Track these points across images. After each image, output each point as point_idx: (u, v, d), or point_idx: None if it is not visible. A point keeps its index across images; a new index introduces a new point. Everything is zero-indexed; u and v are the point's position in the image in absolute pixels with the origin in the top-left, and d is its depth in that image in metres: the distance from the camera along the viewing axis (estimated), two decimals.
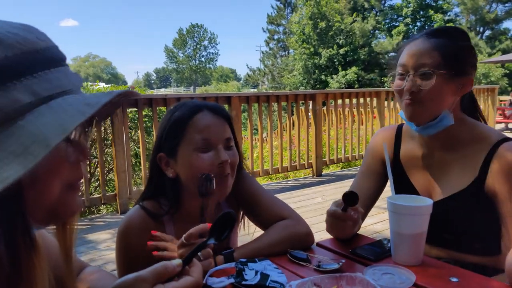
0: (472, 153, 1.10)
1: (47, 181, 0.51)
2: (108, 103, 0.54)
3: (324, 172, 5.45)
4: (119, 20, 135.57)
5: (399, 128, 1.27)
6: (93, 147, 4.48)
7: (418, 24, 28.60)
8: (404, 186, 1.19)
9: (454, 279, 0.88)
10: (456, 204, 1.10)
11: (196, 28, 61.43)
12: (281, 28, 35.22)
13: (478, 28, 30.49)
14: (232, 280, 0.85)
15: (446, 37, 1.09)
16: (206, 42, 62.62)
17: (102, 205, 4.47)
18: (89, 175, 4.34)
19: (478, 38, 28.68)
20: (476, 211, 1.09)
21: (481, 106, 7.48)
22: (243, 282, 0.83)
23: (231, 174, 1.07)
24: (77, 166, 0.56)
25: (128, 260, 1.06)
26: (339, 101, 5.47)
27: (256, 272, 0.87)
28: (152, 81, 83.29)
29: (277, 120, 5.09)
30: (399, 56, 1.14)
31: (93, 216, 4.17)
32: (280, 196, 4.19)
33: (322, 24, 27.19)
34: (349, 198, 0.95)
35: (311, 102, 5.18)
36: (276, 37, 35.51)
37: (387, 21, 30.71)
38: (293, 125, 5.46)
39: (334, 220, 1.02)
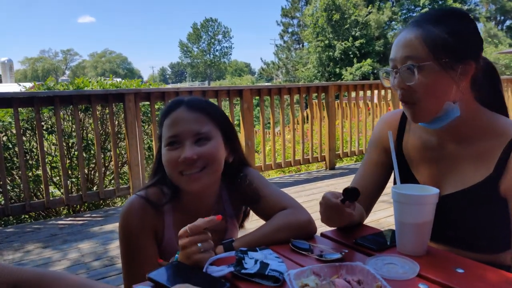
0: (487, 148, 1.01)
1: None
2: None
3: (337, 165, 5.40)
4: (134, 16, 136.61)
5: (404, 114, 1.18)
6: (107, 141, 4.54)
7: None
8: (405, 180, 1.12)
9: (460, 270, 0.86)
10: (464, 201, 1.04)
11: (210, 23, 61.44)
12: (295, 21, 34.94)
13: (498, 18, 29.63)
14: (231, 269, 0.84)
15: (431, 23, 0.98)
16: (220, 36, 62.62)
17: (116, 198, 4.54)
18: (103, 168, 4.39)
19: (498, 28, 27.87)
20: (486, 210, 1.02)
21: None
22: (243, 271, 0.83)
23: (207, 168, 1.05)
24: None
25: (128, 243, 1.08)
26: (353, 94, 5.41)
27: (256, 261, 0.86)
28: (167, 76, 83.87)
29: (289, 114, 5.06)
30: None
31: (108, 208, 4.24)
32: (292, 189, 4.23)
33: (337, 16, 26.85)
34: (350, 193, 0.93)
35: (324, 94, 5.14)
36: (290, 30, 35.27)
37: (404, 11, 30.07)
38: (307, 118, 5.42)
39: (330, 211, 0.98)
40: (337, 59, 27.15)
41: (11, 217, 4.05)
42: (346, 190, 0.94)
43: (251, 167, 1.22)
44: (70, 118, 4.42)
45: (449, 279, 0.81)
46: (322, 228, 1.12)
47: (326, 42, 27.40)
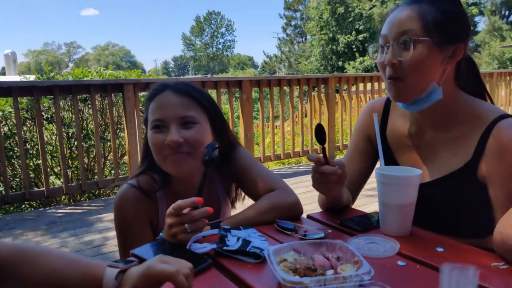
0: (466, 133, 1.01)
1: None
2: None
3: (337, 157, 5.41)
4: (137, 8, 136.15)
5: (388, 102, 1.19)
6: (106, 131, 4.56)
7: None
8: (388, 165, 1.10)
9: (440, 249, 0.87)
10: (444, 188, 1.04)
11: (213, 16, 61.21)
12: (298, 14, 34.78)
13: (503, 12, 29.30)
14: (214, 246, 0.86)
15: (426, 2, 0.99)
16: (223, 30, 62.38)
17: (116, 187, 4.56)
18: (102, 158, 4.42)
19: (502, 21, 27.58)
20: (466, 196, 1.01)
21: (504, 91, 7.19)
22: (225, 248, 0.84)
23: (191, 152, 1.05)
24: None
25: (124, 231, 1.10)
26: (353, 87, 5.39)
27: (238, 239, 0.87)
28: (170, 69, 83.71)
29: (289, 106, 5.05)
30: (382, 26, 1.06)
31: (107, 197, 4.27)
32: (291, 180, 4.25)
33: (341, 10, 26.70)
34: (318, 132, 0.93)
35: (324, 86, 5.13)
36: (293, 23, 35.12)
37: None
38: (308, 111, 5.42)
39: (318, 173, 0.97)
40: (340, 52, 27.04)
41: (11, 205, 4.08)
42: (316, 129, 0.94)
43: (241, 146, 1.22)
44: (70, 108, 4.43)
45: (428, 257, 0.82)
46: (312, 212, 1.13)
47: (330, 35, 27.27)
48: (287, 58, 34.17)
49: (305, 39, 34.07)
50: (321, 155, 0.95)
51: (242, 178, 1.18)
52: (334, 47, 27.16)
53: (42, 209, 3.86)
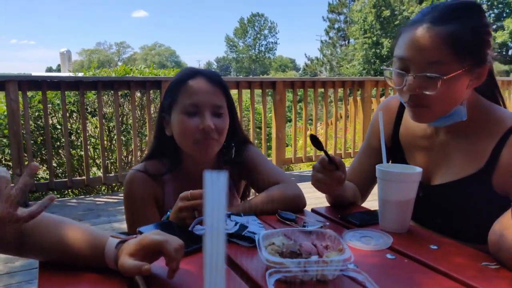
0: (480, 140, 0.97)
1: None
2: None
3: None
4: (184, 10, 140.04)
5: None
6: (144, 126, 4.77)
7: (496, 11, 25.99)
8: None
9: (434, 247, 0.88)
10: (453, 192, 1.02)
11: (256, 17, 61.69)
12: (342, 17, 34.29)
13: None
14: None
15: (458, 21, 0.88)
16: (266, 31, 62.71)
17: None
18: (139, 152, 4.63)
19: None
20: (475, 202, 0.99)
21: None
22: None
23: (218, 140, 1.12)
24: None
25: (131, 210, 1.18)
26: (392, 92, 5.29)
27: (236, 223, 0.93)
28: (213, 70, 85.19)
29: (321, 108, 5.04)
30: (395, 44, 0.97)
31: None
32: None
33: (386, 13, 26.07)
34: (313, 140, 0.97)
35: (360, 89, 5.07)
36: (336, 26, 34.64)
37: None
38: (348, 115, 5.37)
39: (320, 173, 0.99)
40: (384, 57, 26.38)
41: (55, 191, 4.37)
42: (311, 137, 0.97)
43: (252, 145, 1.28)
44: (112, 103, 4.68)
45: (418, 253, 0.84)
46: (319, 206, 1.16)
47: (374, 39, 26.71)
48: (328, 61, 33.81)
49: (348, 42, 33.57)
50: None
51: (251, 174, 1.23)
52: (377, 51, 26.57)
53: (82, 196, 4.11)
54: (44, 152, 4.37)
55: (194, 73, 1.14)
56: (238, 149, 1.24)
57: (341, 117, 5.18)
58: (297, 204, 1.11)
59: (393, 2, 25.96)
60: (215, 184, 0.21)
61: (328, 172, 0.98)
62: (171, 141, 1.16)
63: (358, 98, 5.11)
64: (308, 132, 5.33)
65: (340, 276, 0.74)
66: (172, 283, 0.72)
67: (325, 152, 0.98)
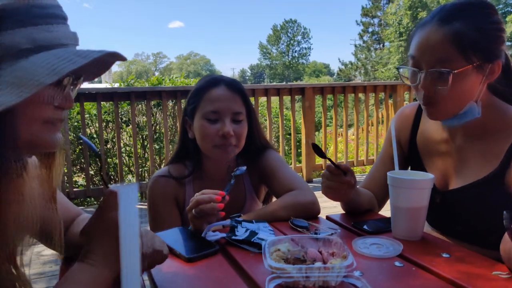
0: (497, 141, 0.98)
1: (31, 114, 0.60)
2: (97, 62, 0.66)
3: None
4: (218, 19, 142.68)
5: (420, 107, 1.16)
6: (176, 134, 4.90)
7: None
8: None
9: (445, 255, 0.86)
10: (470, 196, 1.01)
11: (289, 24, 61.75)
12: (376, 20, 33.70)
13: None
14: (224, 235, 0.95)
15: (463, 20, 0.91)
16: (299, 37, 62.59)
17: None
18: None
19: None
20: (492, 205, 0.97)
21: None
22: (233, 237, 0.92)
23: (237, 145, 1.18)
24: (59, 110, 0.65)
25: (154, 210, 1.23)
26: None
27: (247, 230, 0.95)
28: (247, 77, 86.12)
29: (354, 113, 4.97)
30: (409, 43, 1.00)
31: None
32: None
33: (423, 14, 25.33)
34: (316, 149, 0.97)
35: (392, 94, 4.97)
36: (370, 29, 34.11)
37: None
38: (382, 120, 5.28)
39: (328, 180, 1.01)
40: None
41: (92, 198, 4.57)
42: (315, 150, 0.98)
43: (273, 150, 1.31)
44: (145, 112, 4.85)
45: (428, 261, 0.82)
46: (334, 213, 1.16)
47: None
48: (363, 65, 33.29)
49: (383, 45, 32.90)
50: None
51: (269, 178, 1.26)
52: None
53: None
54: (82, 161, 4.58)
55: (215, 80, 1.21)
56: (257, 153, 1.28)
57: (372, 124, 5.09)
58: (310, 211, 1.12)
59: (429, 3, 25.22)
60: (127, 196, 0.23)
61: (336, 178, 0.99)
62: (193, 144, 1.23)
63: (390, 103, 5.01)
64: (339, 138, 5.28)
65: (343, 283, 0.74)
66: (182, 285, 0.75)
67: (329, 159, 0.99)
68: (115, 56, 0.68)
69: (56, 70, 0.56)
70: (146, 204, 1.27)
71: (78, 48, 0.66)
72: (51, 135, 0.65)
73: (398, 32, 26.67)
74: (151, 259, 0.70)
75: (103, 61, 0.72)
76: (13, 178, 0.59)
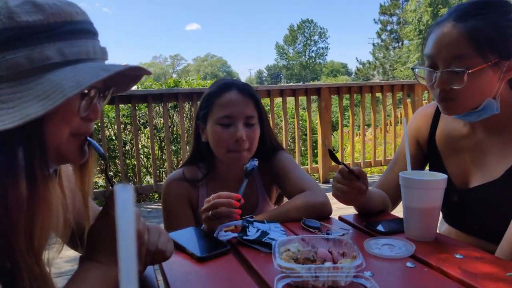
0: None
1: (58, 125, 0.63)
2: (125, 75, 0.68)
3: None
4: (235, 21, 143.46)
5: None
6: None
7: None
8: (435, 170, 1.11)
9: (459, 256, 0.85)
10: (488, 194, 1.00)
11: (306, 24, 61.53)
12: (394, 18, 33.21)
13: None
14: (235, 235, 0.96)
15: (479, 17, 0.92)
16: (316, 37, 62.32)
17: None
18: None
19: None
20: (509, 203, 0.97)
21: None
22: (244, 237, 0.93)
23: (249, 149, 1.20)
24: (87, 122, 0.68)
25: (168, 211, 1.26)
26: None
27: (258, 230, 0.96)
28: (264, 78, 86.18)
29: (371, 113, 4.92)
30: (425, 43, 1.01)
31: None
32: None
33: (444, 11, 24.83)
34: (331, 154, 0.98)
35: (410, 93, 4.89)
36: (389, 28, 33.64)
37: None
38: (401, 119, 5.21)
39: (339, 183, 1.00)
40: None
41: None
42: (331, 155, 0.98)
43: (284, 151, 1.31)
44: (162, 114, 4.92)
45: (440, 262, 0.81)
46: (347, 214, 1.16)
47: None
48: (381, 64, 32.84)
49: (402, 44, 32.41)
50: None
51: (281, 179, 1.26)
52: None
53: (135, 203, 4.34)
54: (101, 162, 4.68)
55: (227, 85, 1.22)
56: (268, 155, 1.29)
57: (390, 124, 5.03)
58: (322, 211, 1.12)
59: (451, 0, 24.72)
60: (123, 195, 0.23)
61: (347, 182, 0.99)
62: (207, 147, 1.25)
63: (408, 102, 4.93)
64: (356, 138, 5.23)
65: (353, 283, 0.74)
66: (194, 285, 0.77)
67: (344, 165, 0.99)
68: (139, 70, 0.71)
69: (80, 83, 0.59)
70: (161, 205, 1.30)
71: (106, 62, 0.68)
72: (78, 148, 0.67)
73: (417, 29, 26.21)
74: (151, 257, 0.72)
75: (132, 75, 0.74)
76: (41, 186, 0.61)
